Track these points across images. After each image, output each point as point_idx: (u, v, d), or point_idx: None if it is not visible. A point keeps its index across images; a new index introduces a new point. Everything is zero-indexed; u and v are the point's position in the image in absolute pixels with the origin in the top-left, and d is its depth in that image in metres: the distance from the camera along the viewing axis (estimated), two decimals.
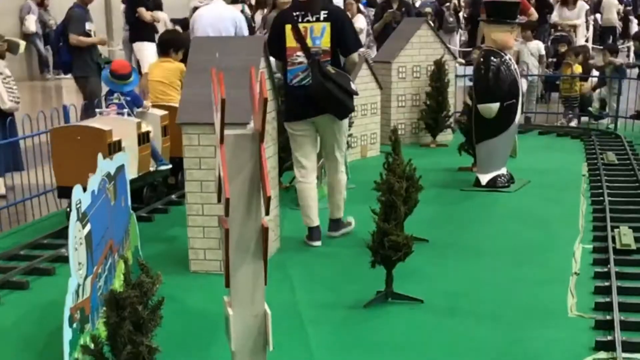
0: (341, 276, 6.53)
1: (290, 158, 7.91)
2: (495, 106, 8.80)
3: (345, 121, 7.41)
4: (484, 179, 9.14)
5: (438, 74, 11.46)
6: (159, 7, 18.04)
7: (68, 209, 7.17)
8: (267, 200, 3.30)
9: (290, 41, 7.01)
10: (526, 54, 13.70)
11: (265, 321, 3.61)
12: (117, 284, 5.21)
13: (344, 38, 7.11)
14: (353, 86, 7.14)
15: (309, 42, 6.99)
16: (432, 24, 13.03)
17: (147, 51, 14.73)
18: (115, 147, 7.63)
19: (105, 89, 8.86)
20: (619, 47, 19.63)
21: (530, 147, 11.28)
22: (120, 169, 5.67)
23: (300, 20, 7.00)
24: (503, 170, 9.21)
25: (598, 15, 25.66)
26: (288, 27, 7.01)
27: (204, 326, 5.53)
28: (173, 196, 8.90)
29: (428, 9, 19.13)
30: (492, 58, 8.86)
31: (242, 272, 3.49)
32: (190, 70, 6.61)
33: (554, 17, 14.89)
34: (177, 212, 8.15)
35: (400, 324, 5.55)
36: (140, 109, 8.62)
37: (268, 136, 6.68)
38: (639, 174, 9.25)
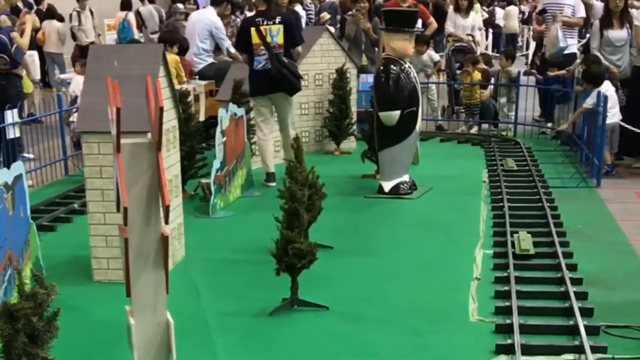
0: (247, 284, 6.53)
1: (193, 166, 9.23)
2: (395, 114, 8.88)
3: (294, 97, 9.97)
4: (387, 186, 9.22)
5: (340, 81, 11.53)
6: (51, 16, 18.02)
7: None
8: (166, 209, 3.29)
9: (255, 39, 9.49)
10: (419, 66, 13.75)
11: (168, 330, 3.59)
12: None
13: (293, 35, 9.67)
14: (300, 72, 9.81)
15: (268, 39, 9.48)
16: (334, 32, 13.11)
17: None
18: None
19: None
20: (518, 54, 20.13)
21: (432, 154, 11.42)
22: (19, 178, 5.57)
23: (261, 24, 9.51)
24: (405, 177, 9.31)
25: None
26: (252, 29, 9.50)
27: (107, 336, 5.46)
28: (75, 205, 8.76)
29: (327, 15, 19.10)
30: (391, 66, 8.94)
31: (143, 281, 3.46)
32: (89, 78, 6.50)
33: (449, 27, 15.01)
34: (80, 221, 8.02)
35: (306, 331, 5.57)
36: None
37: (170, 144, 6.66)
38: (537, 180, 9.46)
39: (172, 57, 12.00)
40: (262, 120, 9.83)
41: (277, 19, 9.59)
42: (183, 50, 13.10)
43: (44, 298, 3.43)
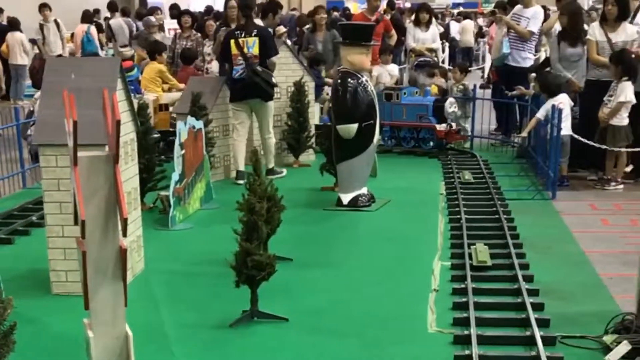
0: (206, 296, 6.52)
1: (152, 179, 9.12)
2: (353, 127, 8.93)
3: (271, 103, 10.88)
4: (346, 198, 9.26)
5: (298, 95, 11.55)
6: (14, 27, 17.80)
7: None
8: (124, 221, 3.30)
9: (234, 49, 10.59)
10: (384, 76, 13.96)
11: (127, 343, 3.58)
12: None
13: (267, 47, 10.67)
14: (274, 80, 10.72)
15: (245, 50, 10.56)
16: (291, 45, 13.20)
17: None
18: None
19: None
20: (473, 68, 20.28)
21: (389, 166, 11.45)
22: None
23: (239, 36, 10.61)
24: (364, 190, 9.35)
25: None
26: (232, 41, 10.60)
27: (66, 349, 5.42)
28: (34, 218, 8.69)
29: (282, 28, 19.10)
30: (349, 80, 9.00)
31: (101, 294, 3.46)
32: (46, 91, 6.47)
33: (410, 42, 15.17)
34: (39, 234, 7.96)
35: (265, 343, 5.57)
36: (138, 95, 11.97)
37: (128, 157, 6.64)
38: (493, 192, 9.54)
39: (156, 66, 13.43)
40: (239, 123, 10.91)
41: (254, 32, 10.63)
42: (188, 59, 14.18)
43: (0, 312, 3.42)
